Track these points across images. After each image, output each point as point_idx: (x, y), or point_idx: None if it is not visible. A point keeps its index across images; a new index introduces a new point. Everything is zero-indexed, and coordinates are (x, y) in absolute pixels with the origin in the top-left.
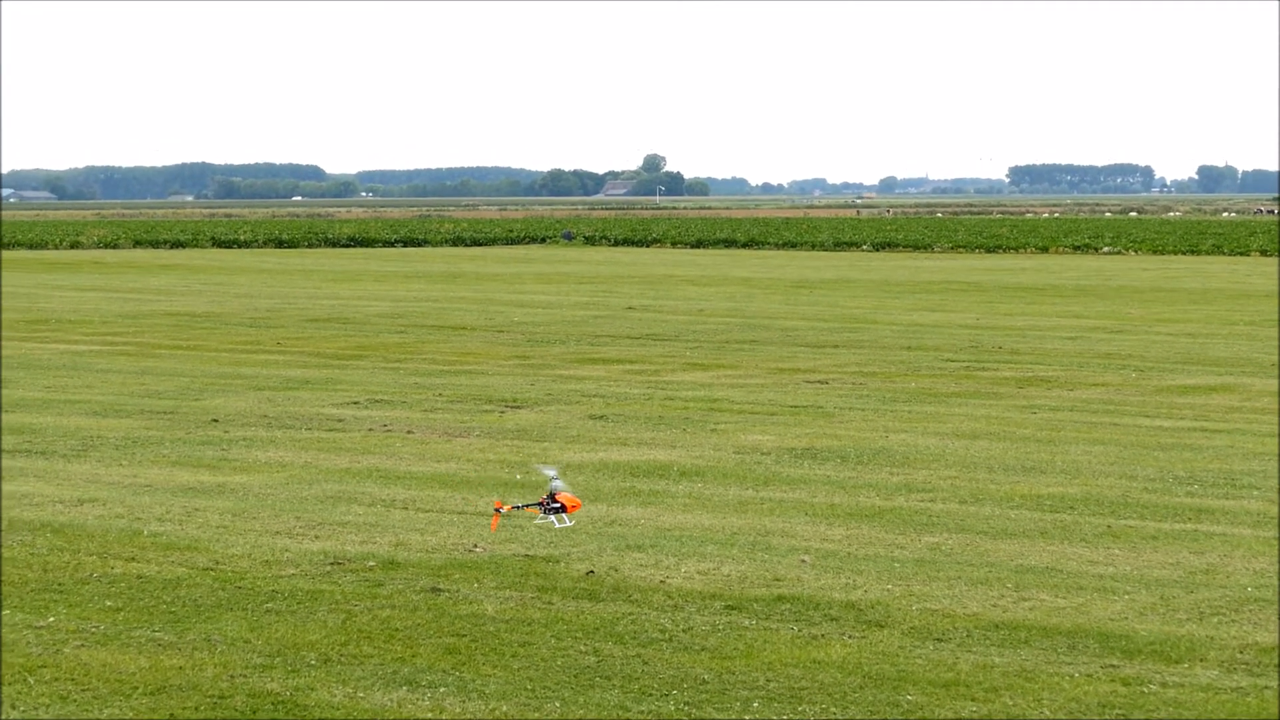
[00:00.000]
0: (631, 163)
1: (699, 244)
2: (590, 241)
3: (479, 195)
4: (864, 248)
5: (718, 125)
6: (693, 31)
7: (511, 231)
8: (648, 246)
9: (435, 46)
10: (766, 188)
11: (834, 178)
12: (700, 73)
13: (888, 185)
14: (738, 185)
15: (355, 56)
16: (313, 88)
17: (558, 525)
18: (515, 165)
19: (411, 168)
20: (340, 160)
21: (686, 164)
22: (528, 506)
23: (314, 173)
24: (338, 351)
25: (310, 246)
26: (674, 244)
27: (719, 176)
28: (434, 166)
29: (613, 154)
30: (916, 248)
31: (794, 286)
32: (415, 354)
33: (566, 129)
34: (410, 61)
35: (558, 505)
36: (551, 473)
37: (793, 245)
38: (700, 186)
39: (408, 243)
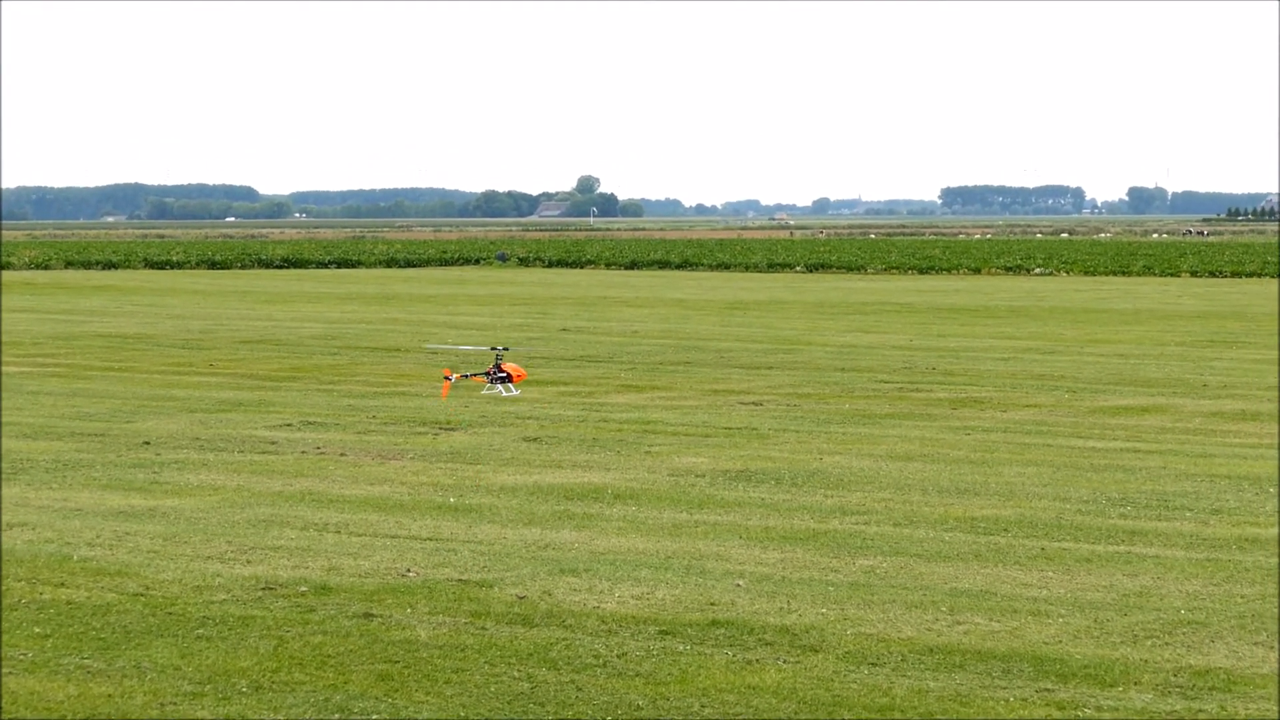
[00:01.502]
0: (565, 184)
1: (633, 265)
2: (524, 263)
3: (413, 216)
4: (797, 269)
5: (651, 147)
6: (627, 53)
7: (445, 253)
8: (582, 268)
9: (369, 68)
10: (700, 209)
11: (767, 199)
12: (634, 94)
13: (820, 206)
14: (671, 206)
15: (289, 77)
16: (246, 108)
17: (504, 394)
18: (449, 186)
19: (345, 189)
20: (274, 181)
21: (621, 185)
22: (474, 375)
23: (247, 193)
24: (271, 373)
25: (243, 268)
26: (608, 265)
27: (653, 198)
28: (368, 187)
29: (547, 175)
30: (850, 269)
31: (728, 308)
32: (349, 376)
33: (500, 150)
34: (344, 83)
35: (504, 375)
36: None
37: (726, 267)
38: (634, 208)
39: (341, 264)
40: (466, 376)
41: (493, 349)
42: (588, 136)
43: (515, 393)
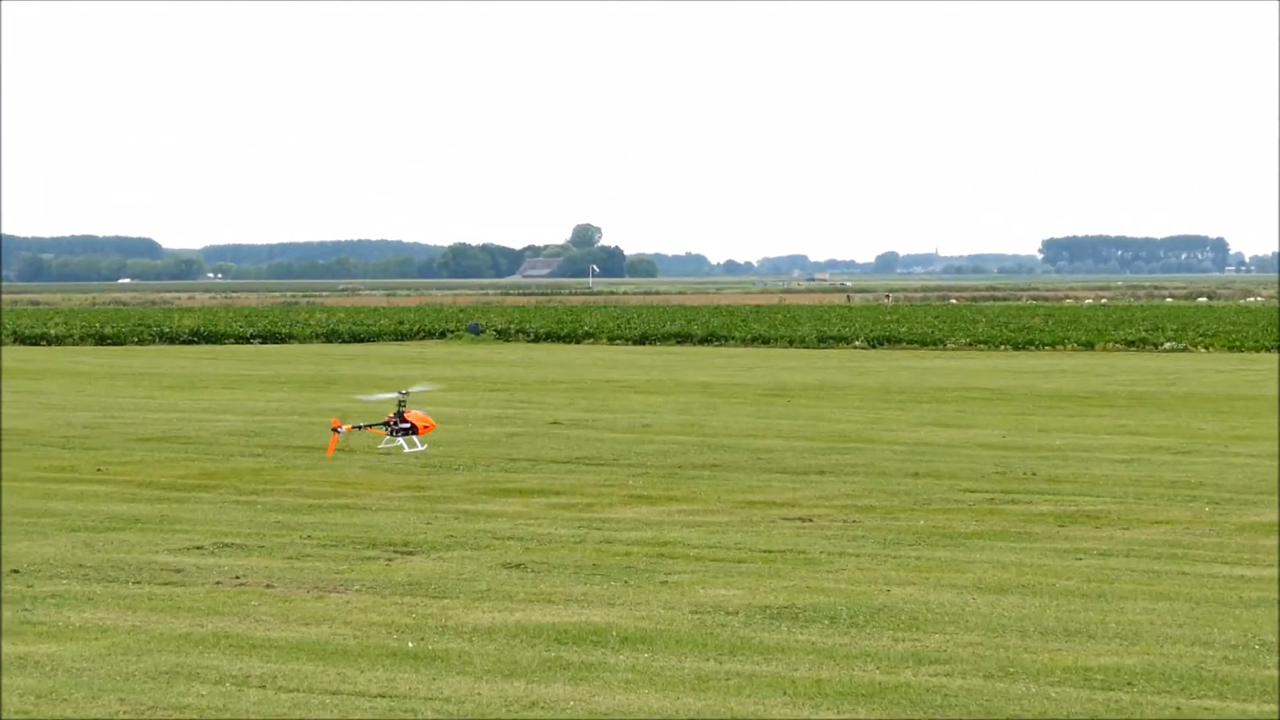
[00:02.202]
0: (558, 235)
1: (644, 339)
2: (504, 336)
3: (360, 276)
4: (856, 344)
5: (667, 190)
6: (634, 80)
7: (402, 324)
8: (578, 343)
9: (304, 96)
10: (731, 267)
11: (818, 253)
12: (643, 128)
13: (886, 263)
14: (694, 264)
15: (200, 106)
16: (147, 146)
17: (407, 450)
18: (406, 239)
19: (273, 241)
20: (181, 233)
21: (628, 238)
22: (370, 427)
23: (146, 248)
24: (176, 480)
25: (141, 343)
26: (612, 339)
27: (669, 253)
28: (302, 240)
29: (533, 226)
30: (924, 344)
31: (767, 394)
32: (276, 483)
33: (473, 195)
34: (272, 114)
35: (406, 425)
36: (398, 394)
37: (765, 341)
38: (646, 265)
39: (267, 338)
40: (360, 428)
41: (397, 394)
42: (584, 177)
43: (421, 448)
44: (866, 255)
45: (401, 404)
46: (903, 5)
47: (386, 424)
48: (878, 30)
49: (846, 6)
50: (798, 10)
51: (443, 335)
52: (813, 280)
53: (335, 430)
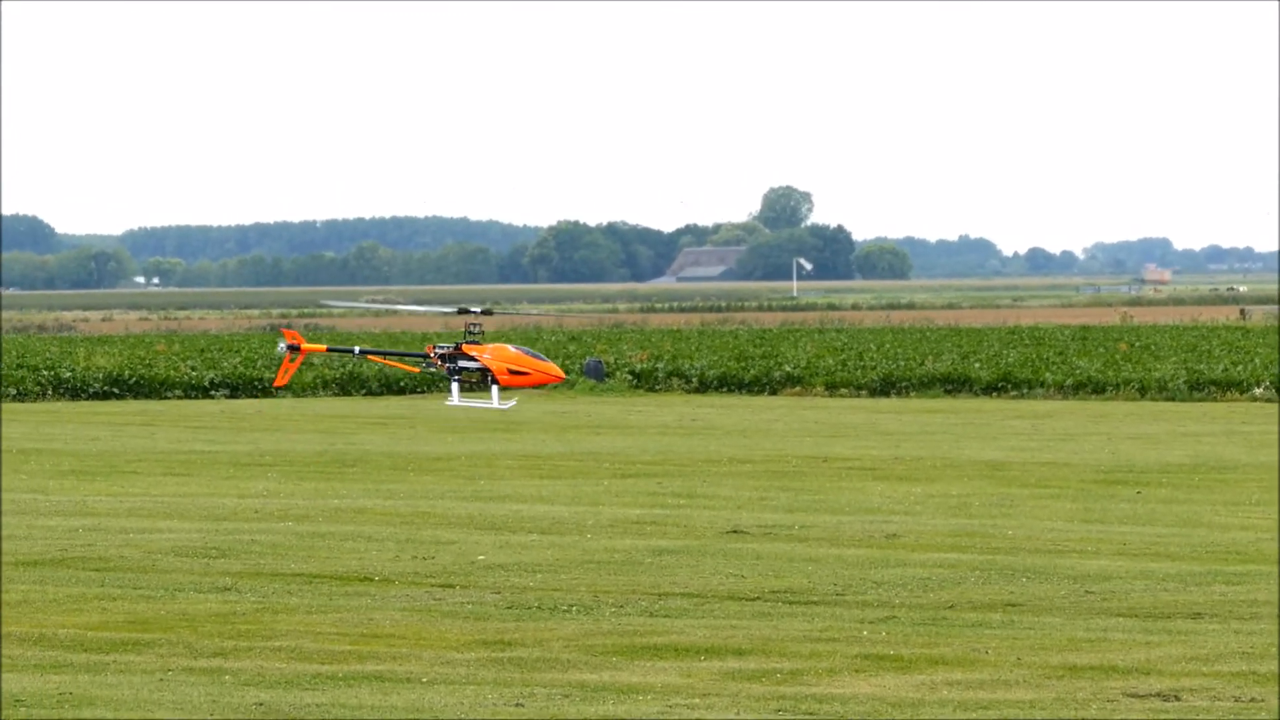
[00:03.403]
0: (737, 209)
1: (889, 387)
2: (646, 383)
3: (399, 281)
4: (1257, 392)
5: (923, 136)
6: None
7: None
8: (775, 393)
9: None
10: (1037, 260)
11: (1187, 237)
12: (876, 38)
13: None
14: (974, 256)
15: (117, 20)
16: (31, 80)
17: (497, 405)
18: (476, 215)
19: (244, 221)
20: (89, 211)
21: (856, 212)
22: (392, 357)
23: (31, 235)
24: (86, 634)
25: (23, 397)
26: (833, 387)
27: (931, 238)
28: (295, 219)
29: (695, 193)
30: None
31: (1101, 481)
32: (257, 637)
33: (588, 146)
34: (243, 22)
35: (470, 365)
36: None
37: (1098, 389)
38: (891, 259)
39: (239, 387)
40: (363, 354)
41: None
42: (781, 115)
43: (506, 405)
44: (1272, 239)
45: (472, 330)
46: None
47: (426, 357)
48: None
49: None
50: None
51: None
52: (1149, 286)
53: (291, 348)
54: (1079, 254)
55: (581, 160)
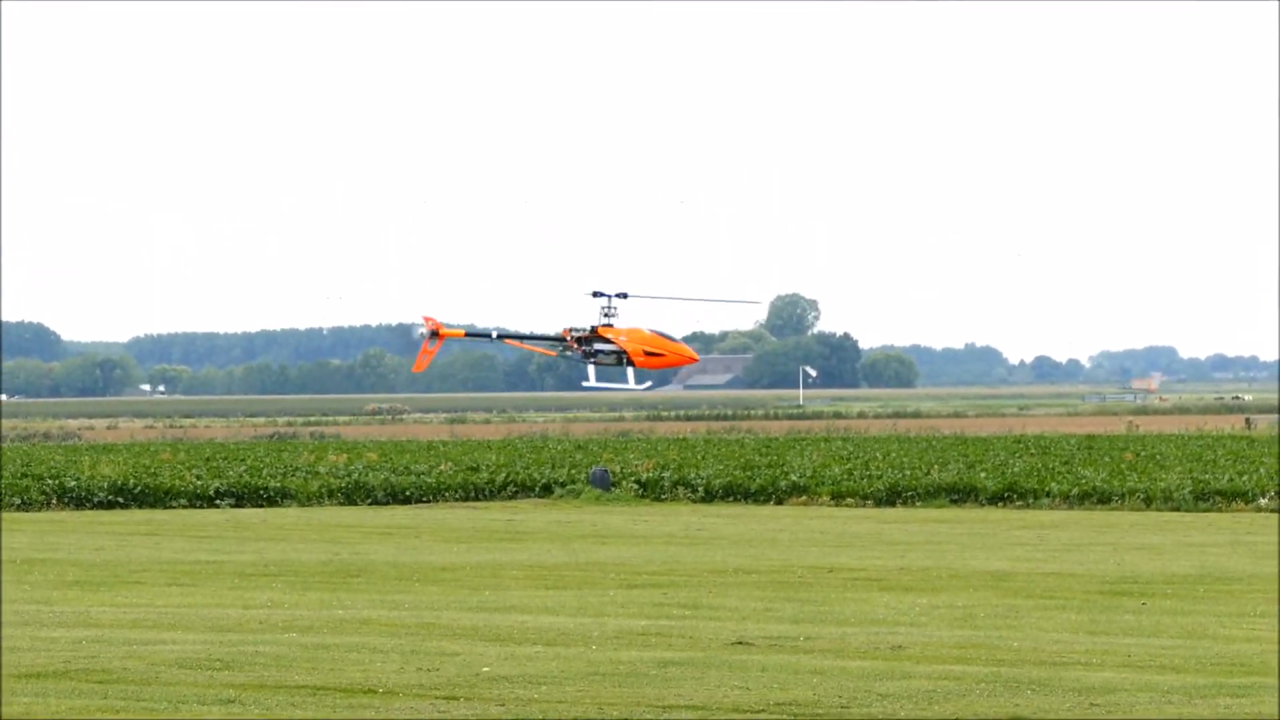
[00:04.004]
0: (744, 316)
1: (895, 497)
2: (652, 492)
3: (404, 389)
4: (1262, 502)
5: (928, 243)
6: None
7: (477, 471)
8: (780, 502)
9: (305, 96)
10: (1044, 368)
11: (1195, 345)
12: (882, 140)
13: None
14: (980, 364)
15: (128, 126)
16: (40, 185)
17: (629, 385)
18: (483, 321)
19: (250, 329)
20: (95, 318)
21: (863, 319)
22: (524, 340)
23: (37, 341)
24: None
25: (27, 506)
26: (839, 497)
27: (937, 345)
28: (302, 326)
29: (703, 303)
30: None
31: (1107, 592)
32: None
33: (594, 246)
34: (250, 124)
35: (606, 348)
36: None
37: (1103, 499)
38: (898, 367)
39: (244, 497)
40: (492, 337)
41: (598, 296)
42: (789, 220)
43: (647, 385)
44: (1270, 348)
45: (608, 310)
46: None
47: (562, 340)
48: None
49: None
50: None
51: (548, 490)
52: (1137, 395)
53: (431, 334)
54: (1085, 362)
55: (588, 266)
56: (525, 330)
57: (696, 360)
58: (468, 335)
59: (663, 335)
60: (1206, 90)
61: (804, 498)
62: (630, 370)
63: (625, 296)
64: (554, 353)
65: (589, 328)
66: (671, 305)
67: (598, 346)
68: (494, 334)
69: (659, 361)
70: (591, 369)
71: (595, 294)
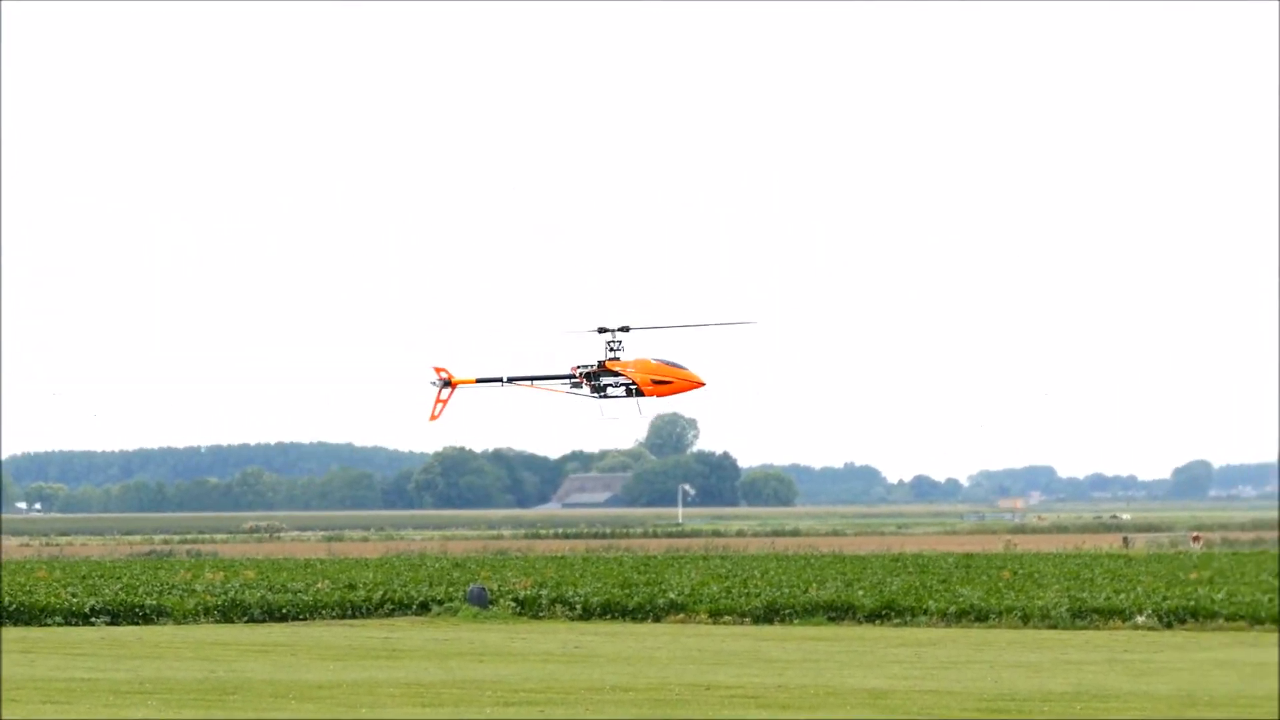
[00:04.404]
0: (623, 436)
1: (773, 614)
2: (530, 610)
3: (283, 507)
4: (1140, 620)
5: (808, 359)
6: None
7: (354, 589)
8: (659, 620)
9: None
10: (923, 488)
11: (1073, 465)
12: (764, 257)
13: (1194, 481)
14: (859, 483)
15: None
16: None
17: (640, 413)
18: (361, 441)
19: (128, 447)
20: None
21: (742, 439)
22: (536, 381)
23: None
24: None
25: None
26: (717, 615)
27: (816, 464)
28: (179, 445)
29: (581, 419)
30: (1257, 620)
31: (988, 710)
32: None
33: (473, 366)
34: (130, 225)
35: (616, 381)
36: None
37: (980, 617)
38: (776, 486)
39: (120, 615)
40: (509, 381)
41: (603, 331)
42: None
43: (644, 414)
44: (1158, 468)
45: (614, 345)
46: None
47: (571, 378)
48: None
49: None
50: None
51: (425, 608)
52: (1005, 515)
53: (445, 384)
54: (964, 481)
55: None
56: (534, 372)
57: (704, 385)
58: (479, 382)
59: (668, 363)
60: (1075, 213)
61: (682, 615)
62: (639, 399)
63: (628, 330)
64: (564, 390)
65: (596, 363)
66: (669, 336)
67: (607, 381)
68: (505, 379)
69: (668, 389)
70: (603, 403)
71: (601, 330)
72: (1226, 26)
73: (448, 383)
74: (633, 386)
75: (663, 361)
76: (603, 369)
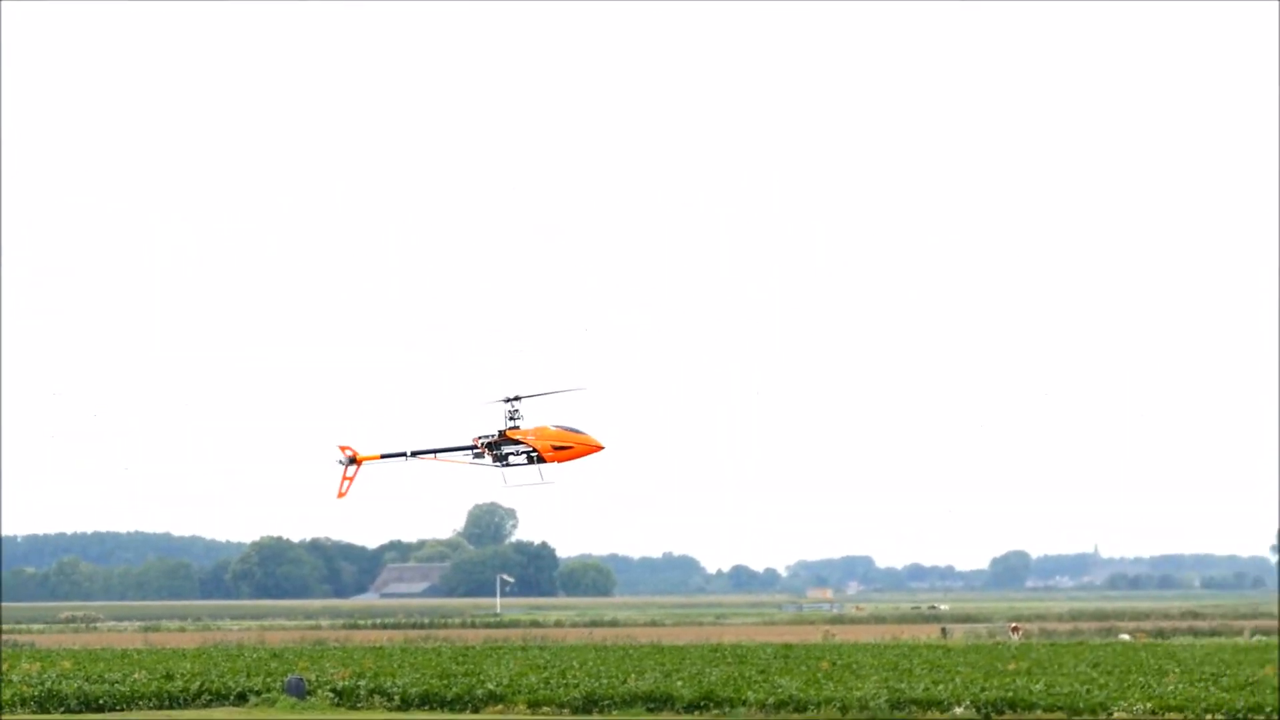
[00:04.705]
0: (441, 526)
1: (591, 705)
2: (348, 700)
3: (100, 597)
4: (957, 712)
5: (628, 450)
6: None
7: (171, 679)
8: (477, 710)
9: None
10: (741, 578)
11: (891, 555)
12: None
13: (1011, 572)
14: (679, 573)
15: None
16: None
17: (541, 481)
18: (180, 531)
19: None
20: None
21: (561, 530)
22: (439, 454)
23: None
24: None
25: None
26: (535, 705)
27: (635, 555)
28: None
29: (400, 509)
30: (1073, 711)
31: None
32: None
33: (291, 456)
34: None
35: (516, 450)
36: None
37: (799, 708)
38: (595, 576)
39: None
40: (411, 455)
41: (507, 400)
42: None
43: (550, 482)
44: (976, 559)
45: (513, 415)
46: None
47: (473, 448)
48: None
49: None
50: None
51: (243, 698)
52: (809, 608)
53: (350, 462)
54: (782, 571)
55: (284, 476)
56: (437, 445)
57: (603, 448)
58: (383, 458)
59: (567, 429)
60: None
61: (501, 706)
62: (540, 466)
63: (520, 399)
64: (466, 461)
65: (497, 432)
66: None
67: (508, 449)
68: (409, 453)
69: (568, 454)
70: (505, 472)
71: (505, 399)
72: (1226, 26)
73: (353, 460)
74: (534, 454)
75: (562, 428)
76: (504, 438)
